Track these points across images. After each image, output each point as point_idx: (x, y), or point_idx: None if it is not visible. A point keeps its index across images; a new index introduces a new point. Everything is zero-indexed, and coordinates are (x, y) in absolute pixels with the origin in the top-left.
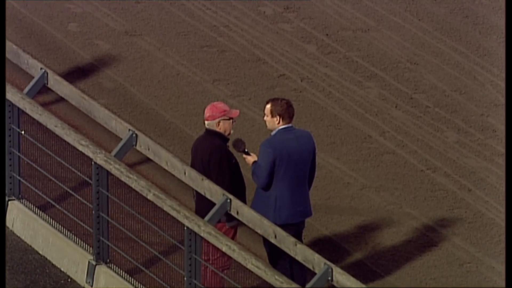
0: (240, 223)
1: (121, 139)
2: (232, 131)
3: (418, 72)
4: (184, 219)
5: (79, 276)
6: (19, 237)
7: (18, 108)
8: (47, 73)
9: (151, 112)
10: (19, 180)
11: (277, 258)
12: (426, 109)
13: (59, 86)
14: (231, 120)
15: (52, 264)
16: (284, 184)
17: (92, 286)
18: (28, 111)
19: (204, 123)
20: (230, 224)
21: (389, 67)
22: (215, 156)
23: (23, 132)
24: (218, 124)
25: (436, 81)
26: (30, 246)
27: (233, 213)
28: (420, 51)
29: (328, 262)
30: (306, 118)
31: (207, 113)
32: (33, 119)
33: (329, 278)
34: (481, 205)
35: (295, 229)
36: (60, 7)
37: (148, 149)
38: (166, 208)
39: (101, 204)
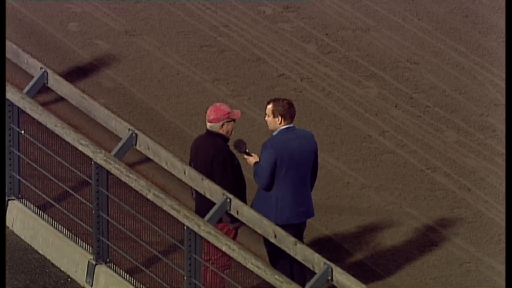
0: (242, 223)
1: (121, 138)
2: (233, 131)
3: (418, 72)
4: (184, 219)
5: (79, 276)
6: (19, 237)
7: (18, 108)
8: (47, 73)
9: (151, 111)
10: (19, 180)
11: (277, 257)
12: (426, 108)
13: (59, 85)
14: (233, 121)
15: (52, 264)
16: (286, 184)
17: (92, 285)
18: (28, 110)
19: (205, 124)
20: (234, 226)
21: (389, 66)
22: (218, 157)
23: (23, 132)
24: (222, 127)
25: (436, 81)
26: (30, 245)
27: (233, 212)
28: (420, 51)
29: (328, 262)
30: (306, 118)
31: (210, 115)
32: (33, 118)
33: (329, 277)
34: (481, 204)
35: (296, 230)
36: (59, 7)
37: (148, 149)
38: (166, 208)
39: (101, 204)
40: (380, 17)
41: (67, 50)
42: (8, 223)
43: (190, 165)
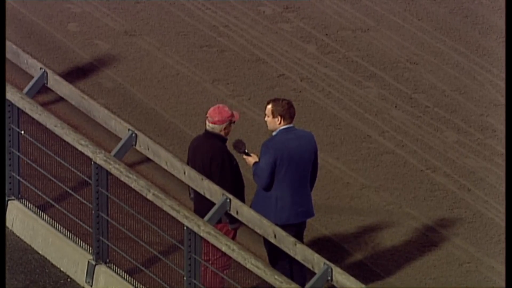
0: (241, 224)
1: (120, 139)
2: (230, 132)
3: (418, 72)
4: (183, 219)
5: (79, 276)
6: (18, 237)
7: (18, 108)
8: (47, 73)
9: (150, 112)
10: (19, 180)
11: (277, 258)
12: (425, 109)
13: (59, 86)
14: (233, 123)
15: (52, 264)
16: (285, 184)
17: (91, 286)
18: (27, 110)
19: (205, 124)
20: (233, 226)
21: (389, 67)
22: (217, 158)
23: (22, 132)
24: (225, 128)
25: (436, 81)
26: (30, 246)
27: (233, 213)
28: (420, 51)
29: (328, 262)
30: (306, 118)
31: (215, 117)
32: (33, 118)
33: (329, 278)
34: (480, 205)
35: (296, 230)
36: (59, 7)
37: (148, 149)
38: (165, 208)
39: (100, 204)
40: (380, 17)
41: (67, 50)
42: (8, 223)
43: (187, 165)
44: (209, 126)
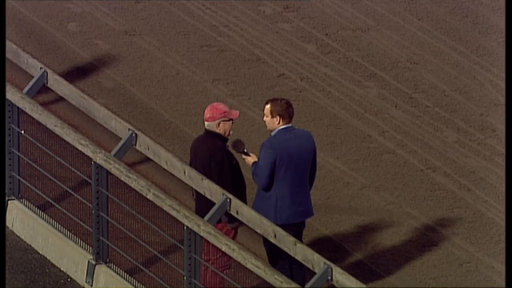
0: (240, 223)
1: (120, 138)
2: (231, 132)
3: (418, 72)
4: (183, 219)
5: (79, 276)
6: (18, 237)
7: (18, 108)
8: (47, 73)
9: (150, 111)
10: (19, 180)
11: (277, 257)
12: (425, 108)
13: (59, 85)
14: (231, 121)
15: (52, 264)
16: (285, 184)
17: (91, 285)
18: (27, 110)
19: (204, 124)
20: (232, 226)
21: (389, 66)
22: (216, 157)
23: (23, 132)
24: (218, 125)
25: (436, 81)
26: (30, 245)
27: (233, 212)
28: (420, 51)
29: (328, 262)
30: (306, 118)
31: (207, 114)
32: (33, 118)
33: (329, 277)
34: (480, 204)
35: (296, 229)
36: (59, 7)
37: (148, 149)
38: (165, 208)
39: (100, 204)
40: (380, 17)
41: (67, 50)
42: (8, 223)
43: (190, 165)
44: (205, 124)
